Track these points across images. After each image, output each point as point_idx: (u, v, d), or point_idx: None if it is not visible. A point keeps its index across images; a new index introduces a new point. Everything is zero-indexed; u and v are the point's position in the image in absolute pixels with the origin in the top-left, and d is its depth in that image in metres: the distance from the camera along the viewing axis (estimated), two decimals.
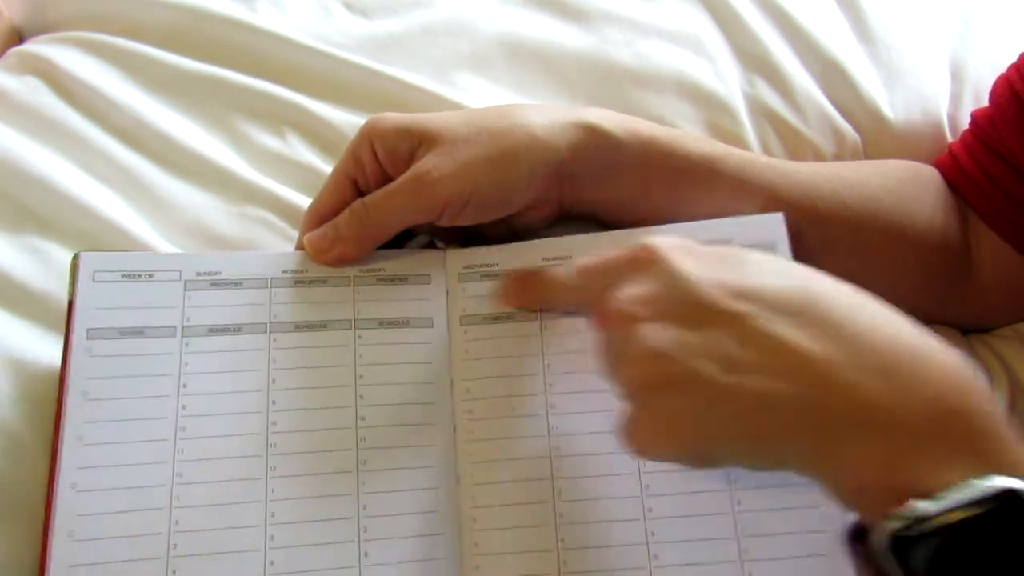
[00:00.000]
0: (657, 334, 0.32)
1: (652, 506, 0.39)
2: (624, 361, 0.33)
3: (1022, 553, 0.27)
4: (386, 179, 0.43)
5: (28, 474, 0.39)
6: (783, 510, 0.38)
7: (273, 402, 0.40)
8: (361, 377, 0.41)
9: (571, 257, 0.43)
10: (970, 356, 0.49)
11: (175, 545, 0.37)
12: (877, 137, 0.54)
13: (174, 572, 0.37)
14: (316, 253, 0.42)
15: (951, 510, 0.27)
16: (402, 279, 0.43)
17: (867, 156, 0.54)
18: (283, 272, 0.42)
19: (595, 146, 0.42)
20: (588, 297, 0.38)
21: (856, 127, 0.55)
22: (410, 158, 0.42)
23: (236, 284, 0.42)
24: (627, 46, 0.55)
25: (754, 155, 0.48)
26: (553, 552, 0.38)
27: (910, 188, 0.48)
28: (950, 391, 0.30)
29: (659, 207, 0.44)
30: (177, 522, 0.37)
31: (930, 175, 0.50)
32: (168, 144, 0.50)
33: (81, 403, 0.39)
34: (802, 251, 0.42)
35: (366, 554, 0.38)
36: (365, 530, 0.38)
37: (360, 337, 0.41)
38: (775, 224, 0.43)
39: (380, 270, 0.43)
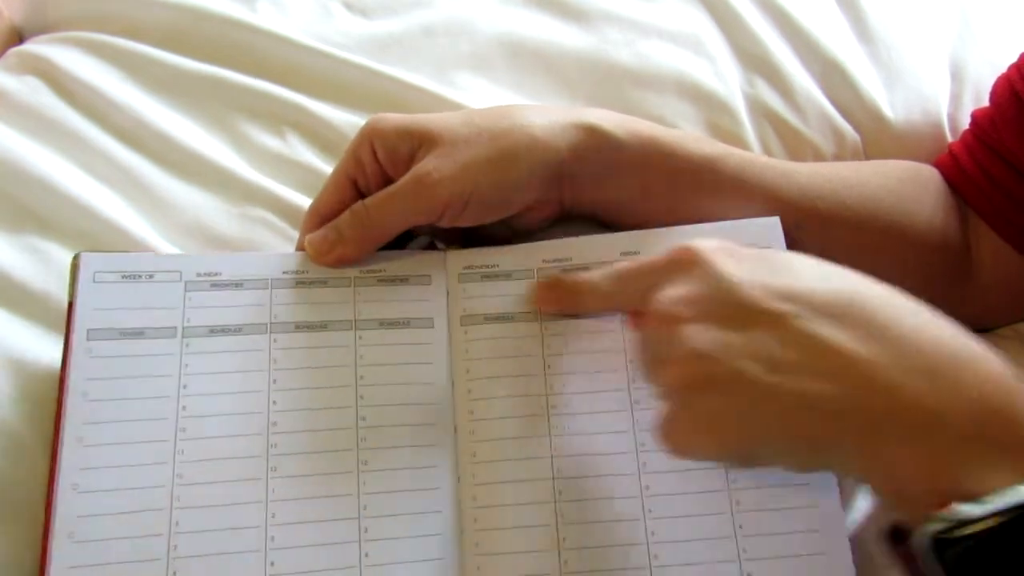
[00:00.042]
0: (700, 335, 0.32)
1: (652, 506, 0.39)
2: (665, 361, 0.33)
3: None
4: (386, 180, 0.43)
5: (28, 474, 0.39)
6: (782, 510, 0.38)
7: (274, 403, 0.40)
8: (362, 378, 0.41)
9: (571, 259, 0.43)
10: None
11: (175, 546, 0.37)
12: (877, 137, 0.54)
13: (174, 573, 0.37)
14: (317, 254, 0.42)
15: (995, 514, 0.27)
16: (403, 280, 0.43)
17: (867, 156, 0.55)
18: (284, 273, 0.42)
19: (595, 147, 0.42)
20: (625, 301, 0.39)
21: (856, 127, 0.55)
22: (410, 159, 0.42)
23: (237, 285, 0.42)
24: (627, 46, 0.55)
25: (754, 155, 0.48)
26: (554, 552, 0.38)
27: (910, 188, 0.49)
28: (993, 393, 0.30)
29: (659, 208, 0.44)
30: (177, 523, 0.37)
31: (930, 175, 0.50)
32: (168, 144, 0.50)
33: (81, 404, 0.39)
34: (802, 252, 0.42)
35: (367, 554, 0.38)
36: (366, 531, 0.38)
37: (361, 338, 0.41)
38: (771, 227, 0.43)
39: (381, 271, 0.43)
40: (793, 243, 0.43)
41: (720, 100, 0.54)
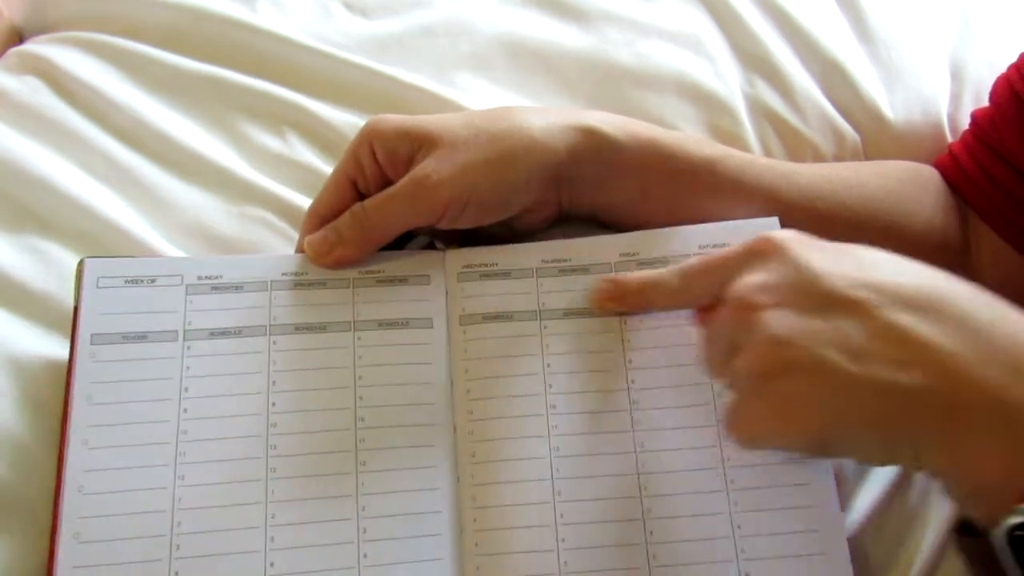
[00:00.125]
0: (779, 321, 0.32)
1: (651, 506, 0.39)
2: (741, 349, 0.33)
3: None
4: (386, 180, 0.43)
5: (28, 473, 0.39)
6: (781, 510, 0.39)
7: (273, 404, 0.40)
8: (361, 378, 0.41)
9: (570, 259, 0.43)
10: None
11: (177, 547, 0.37)
12: (877, 137, 0.54)
13: (176, 573, 0.37)
14: (316, 256, 0.42)
15: None
16: (401, 280, 0.43)
17: (867, 156, 0.54)
18: (283, 275, 0.42)
19: (594, 148, 0.42)
20: (695, 296, 0.39)
21: (856, 127, 0.54)
22: (409, 160, 0.42)
23: (237, 288, 0.42)
24: (627, 46, 0.55)
25: (753, 156, 0.48)
26: (553, 552, 0.38)
27: (910, 188, 0.49)
28: None
29: (658, 209, 0.44)
30: (179, 524, 0.37)
31: (930, 175, 0.50)
32: (168, 144, 0.50)
33: (85, 407, 0.39)
34: None
35: (365, 555, 0.38)
36: (365, 531, 0.38)
37: (360, 339, 0.42)
38: (771, 228, 0.43)
39: (380, 271, 0.43)
40: None
41: (720, 100, 0.54)
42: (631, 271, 0.42)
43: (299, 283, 0.42)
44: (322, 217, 0.43)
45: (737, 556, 0.38)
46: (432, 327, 0.42)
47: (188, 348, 0.40)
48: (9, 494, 0.39)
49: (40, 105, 0.50)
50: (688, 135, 0.50)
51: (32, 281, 0.44)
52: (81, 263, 0.41)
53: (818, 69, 0.56)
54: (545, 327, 0.42)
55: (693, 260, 0.39)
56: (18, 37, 0.57)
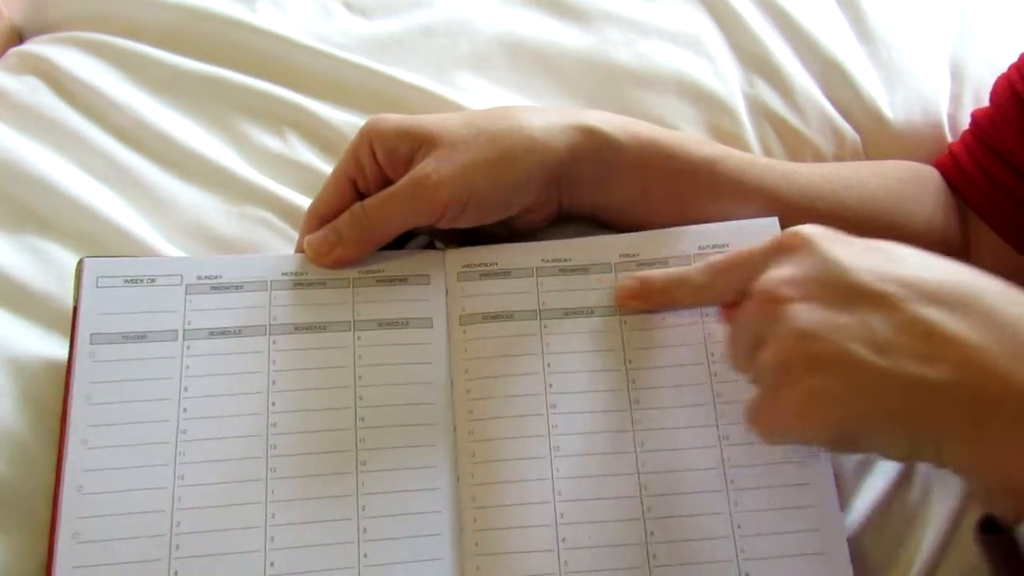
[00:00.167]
0: (805, 314, 0.32)
1: (651, 506, 0.39)
2: (766, 342, 0.33)
3: None
4: (386, 180, 0.43)
5: (28, 473, 0.39)
6: (781, 510, 0.39)
7: (273, 404, 0.40)
8: (361, 378, 0.41)
9: (570, 259, 0.43)
10: None
11: (177, 546, 0.37)
12: (877, 137, 0.54)
13: (176, 573, 0.37)
14: (316, 256, 0.42)
15: None
16: (401, 280, 0.43)
17: (867, 156, 0.55)
18: (283, 275, 0.42)
19: (594, 148, 0.42)
20: (720, 293, 0.38)
21: (856, 127, 0.54)
22: (409, 160, 0.42)
23: (237, 287, 0.42)
24: (627, 46, 0.55)
25: (753, 156, 0.48)
26: (554, 552, 0.38)
27: (910, 188, 0.49)
28: None
29: (658, 209, 0.44)
30: (179, 524, 0.37)
31: (930, 175, 0.50)
32: (168, 144, 0.50)
33: (85, 407, 0.39)
34: None
35: (365, 555, 0.38)
36: (364, 531, 0.38)
37: (360, 338, 0.42)
38: (770, 228, 0.43)
39: (379, 271, 0.43)
40: None
41: (720, 100, 0.54)
42: (631, 271, 0.42)
43: (299, 283, 0.42)
44: (322, 217, 0.43)
45: (737, 556, 0.38)
46: (432, 327, 0.42)
47: (188, 348, 0.40)
48: (9, 493, 0.39)
49: (40, 105, 0.50)
50: (688, 135, 0.50)
51: (32, 281, 0.44)
52: (81, 263, 0.41)
53: (818, 69, 0.56)
54: (545, 327, 0.42)
55: (719, 256, 0.39)
56: (18, 37, 0.57)
